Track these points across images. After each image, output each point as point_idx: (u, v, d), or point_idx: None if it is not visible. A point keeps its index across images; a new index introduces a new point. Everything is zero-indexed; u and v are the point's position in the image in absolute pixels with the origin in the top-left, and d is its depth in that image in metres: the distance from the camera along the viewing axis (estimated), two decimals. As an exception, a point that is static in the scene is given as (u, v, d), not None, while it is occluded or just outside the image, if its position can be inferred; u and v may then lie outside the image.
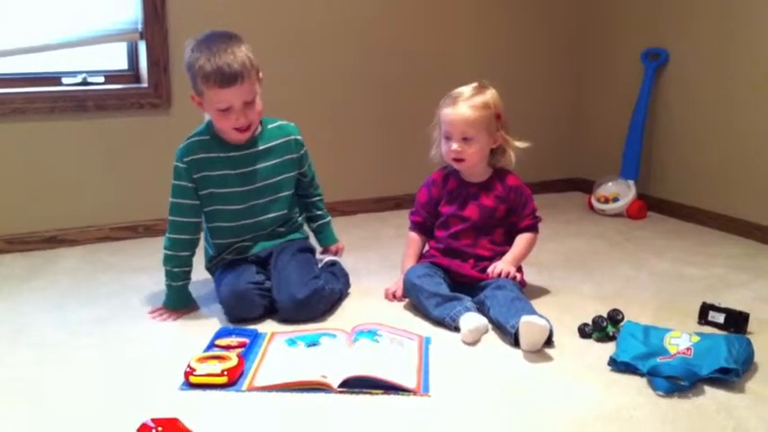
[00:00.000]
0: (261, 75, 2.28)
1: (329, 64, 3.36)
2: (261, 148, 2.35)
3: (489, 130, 2.35)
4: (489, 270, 2.34)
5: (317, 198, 2.58)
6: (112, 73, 3.12)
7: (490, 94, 2.36)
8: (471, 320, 2.14)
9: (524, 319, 2.02)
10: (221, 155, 2.30)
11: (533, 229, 2.46)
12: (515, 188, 2.43)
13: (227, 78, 2.16)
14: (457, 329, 2.16)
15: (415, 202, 2.53)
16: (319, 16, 3.30)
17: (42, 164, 2.94)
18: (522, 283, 2.39)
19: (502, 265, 2.33)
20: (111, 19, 2.99)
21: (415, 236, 2.52)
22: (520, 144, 2.40)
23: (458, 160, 2.38)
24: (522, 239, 2.43)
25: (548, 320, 2.06)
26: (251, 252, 2.38)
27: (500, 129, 2.37)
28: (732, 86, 3.19)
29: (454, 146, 2.35)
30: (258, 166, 2.34)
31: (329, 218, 2.62)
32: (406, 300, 2.40)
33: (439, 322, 2.23)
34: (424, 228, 2.52)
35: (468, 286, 2.34)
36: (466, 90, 2.37)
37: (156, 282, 2.41)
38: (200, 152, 2.29)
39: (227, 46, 2.19)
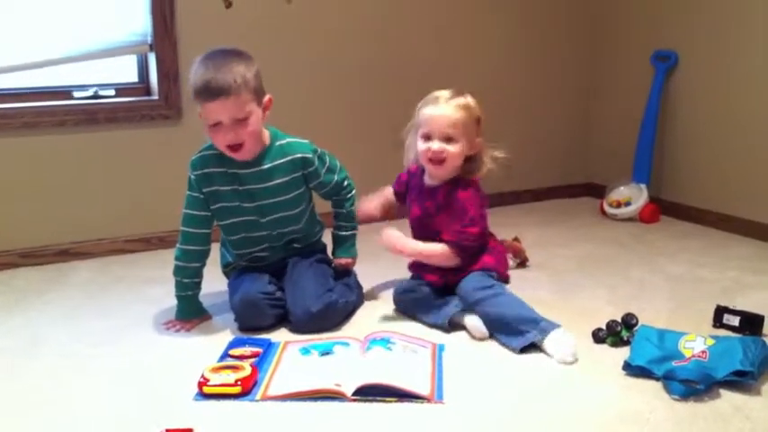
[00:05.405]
0: (267, 98, 2.23)
1: (338, 79, 3.36)
2: (265, 166, 2.29)
3: (469, 133, 2.29)
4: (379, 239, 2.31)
5: (343, 210, 2.50)
6: (123, 86, 3.13)
7: (470, 98, 2.33)
8: (470, 318, 2.19)
9: (551, 336, 2.06)
10: (229, 170, 2.28)
11: (451, 245, 2.29)
12: (461, 200, 2.30)
13: (213, 92, 2.10)
14: (451, 330, 2.22)
15: (397, 178, 2.57)
16: (331, 28, 3.30)
17: (54, 177, 2.95)
18: (505, 278, 2.39)
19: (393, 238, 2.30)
20: (121, 32, 3.00)
21: (391, 189, 2.58)
22: (497, 153, 2.34)
23: (437, 162, 2.29)
24: (438, 245, 2.31)
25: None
26: (265, 261, 2.39)
27: (479, 135, 2.33)
28: (742, 88, 3.18)
29: (435, 145, 2.27)
30: (264, 185, 2.30)
31: (350, 232, 2.53)
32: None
33: (436, 326, 2.26)
34: (400, 196, 2.56)
35: (448, 292, 2.33)
36: (446, 92, 2.32)
37: (168, 293, 2.41)
38: (210, 166, 2.29)
39: (225, 63, 2.13)
